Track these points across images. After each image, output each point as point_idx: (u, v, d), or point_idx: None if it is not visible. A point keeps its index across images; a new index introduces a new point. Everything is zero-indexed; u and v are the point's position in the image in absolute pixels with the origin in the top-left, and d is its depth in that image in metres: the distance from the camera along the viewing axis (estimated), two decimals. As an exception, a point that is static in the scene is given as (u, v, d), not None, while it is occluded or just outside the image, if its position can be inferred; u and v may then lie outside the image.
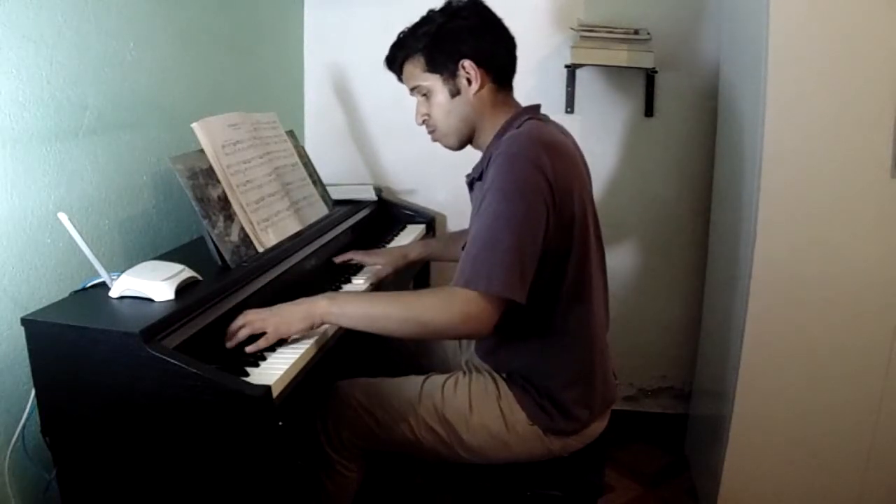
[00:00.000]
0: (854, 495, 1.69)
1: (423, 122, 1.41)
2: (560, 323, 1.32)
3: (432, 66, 1.34)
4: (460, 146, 1.41)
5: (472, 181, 1.40)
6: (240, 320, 1.21)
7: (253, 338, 1.20)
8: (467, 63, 1.31)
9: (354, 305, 1.25)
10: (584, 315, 1.34)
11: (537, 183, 1.18)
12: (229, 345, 1.19)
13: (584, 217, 1.29)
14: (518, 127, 1.31)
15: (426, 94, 1.37)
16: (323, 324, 1.24)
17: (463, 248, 1.21)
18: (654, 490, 2.07)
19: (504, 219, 1.16)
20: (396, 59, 1.40)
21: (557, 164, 1.22)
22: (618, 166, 2.22)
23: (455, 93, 1.34)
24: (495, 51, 1.34)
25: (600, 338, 1.40)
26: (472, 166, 1.40)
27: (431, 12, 1.37)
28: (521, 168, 1.19)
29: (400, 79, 1.43)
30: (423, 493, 1.70)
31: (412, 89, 1.40)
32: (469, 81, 1.33)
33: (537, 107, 1.40)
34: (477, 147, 1.41)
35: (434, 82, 1.35)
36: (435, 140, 1.42)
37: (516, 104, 1.40)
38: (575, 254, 1.28)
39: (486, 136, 1.36)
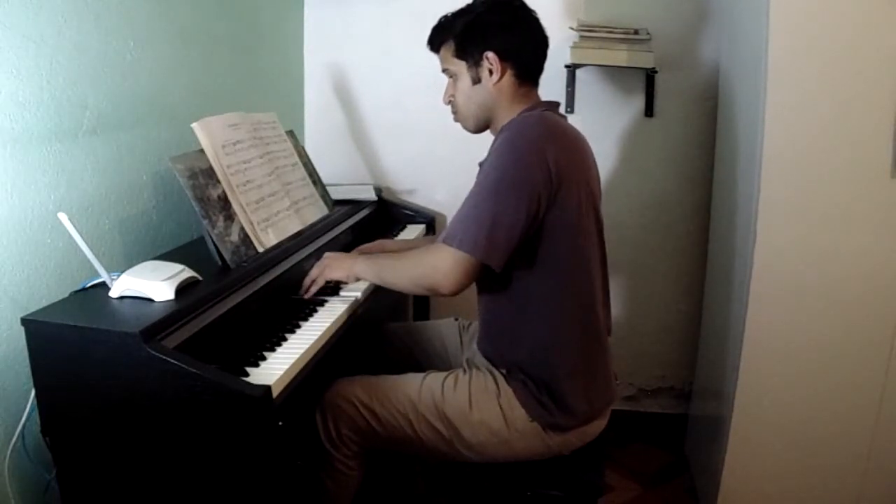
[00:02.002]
0: (854, 495, 1.69)
1: (449, 102, 1.48)
2: (564, 311, 1.35)
3: (461, 53, 1.41)
4: (476, 130, 1.48)
5: (482, 163, 1.45)
6: (314, 272, 1.46)
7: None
8: (491, 55, 1.38)
9: (378, 267, 1.43)
10: (587, 306, 1.38)
11: (534, 164, 1.26)
12: (307, 295, 1.45)
13: (584, 208, 1.32)
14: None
15: (454, 77, 1.45)
16: (357, 279, 1.44)
17: None
18: (654, 490, 2.07)
19: (492, 188, 1.27)
20: (434, 42, 1.47)
21: (560, 154, 1.28)
22: (618, 166, 2.22)
23: (476, 80, 1.41)
24: (522, 48, 1.40)
25: (603, 331, 1.43)
26: (474, 167, 1.42)
27: (476, 2, 1.43)
28: (520, 146, 1.28)
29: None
30: (423, 493, 1.70)
31: (444, 70, 1.47)
32: (490, 72, 1.39)
33: (556, 103, 1.46)
34: (494, 133, 1.46)
35: (460, 68, 1.42)
36: (456, 121, 1.50)
37: (536, 98, 1.45)
38: (576, 241, 1.32)
39: (502, 123, 1.42)
